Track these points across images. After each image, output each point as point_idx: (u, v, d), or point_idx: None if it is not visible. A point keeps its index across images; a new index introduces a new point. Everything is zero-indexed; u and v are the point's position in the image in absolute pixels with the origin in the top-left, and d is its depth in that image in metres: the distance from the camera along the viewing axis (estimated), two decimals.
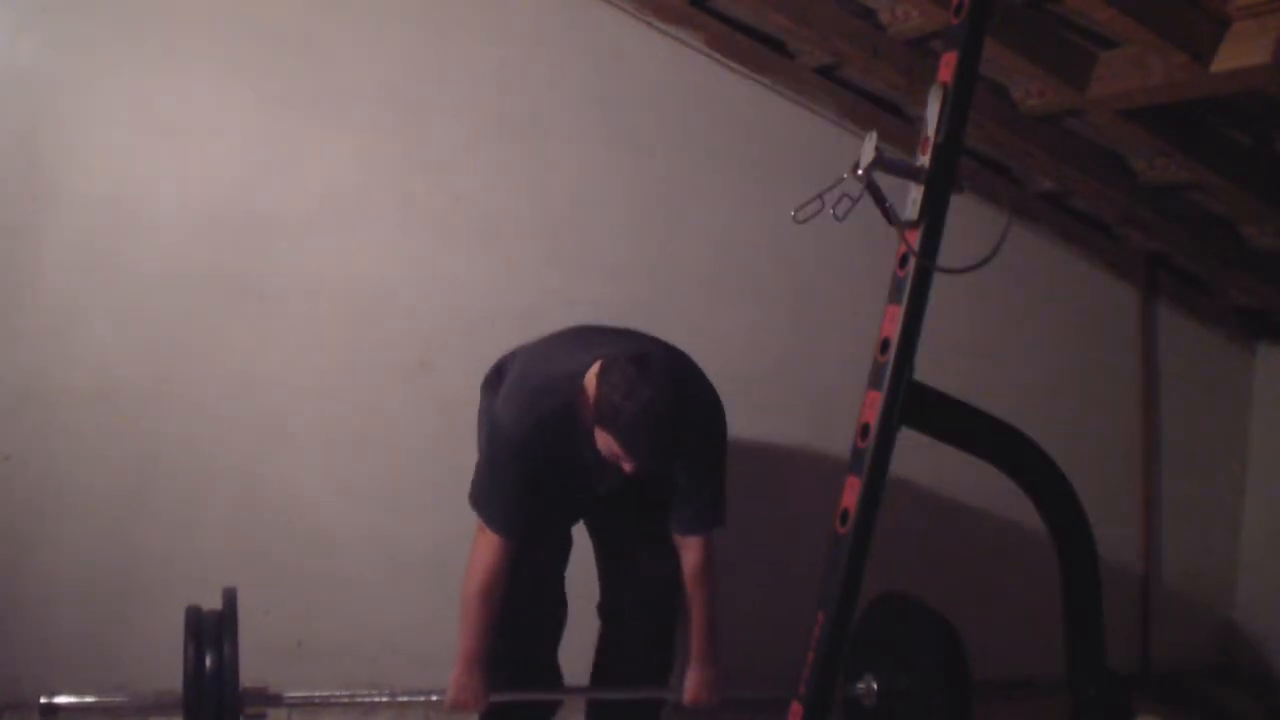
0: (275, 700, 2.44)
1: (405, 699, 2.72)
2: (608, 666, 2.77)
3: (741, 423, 3.06)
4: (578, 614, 2.76)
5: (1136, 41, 2.38)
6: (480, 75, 3.20)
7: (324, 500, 3.18)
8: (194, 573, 2.98)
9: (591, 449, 2.40)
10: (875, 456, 2.02)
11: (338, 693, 2.78)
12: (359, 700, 2.87)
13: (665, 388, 2.24)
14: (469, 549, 2.61)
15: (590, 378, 2.35)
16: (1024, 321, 3.66)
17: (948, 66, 1.99)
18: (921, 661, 2.39)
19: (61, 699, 2.37)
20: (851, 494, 2.05)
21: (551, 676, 2.73)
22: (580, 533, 2.74)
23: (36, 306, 3.00)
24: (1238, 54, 2.19)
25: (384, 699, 2.78)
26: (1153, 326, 3.77)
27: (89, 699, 2.48)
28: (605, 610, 2.76)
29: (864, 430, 2.05)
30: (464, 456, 2.68)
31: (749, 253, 3.38)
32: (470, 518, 2.52)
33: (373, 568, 3.22)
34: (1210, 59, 2.23)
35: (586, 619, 2.79)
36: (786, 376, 3.45)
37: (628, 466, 2.29)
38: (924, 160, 1.99)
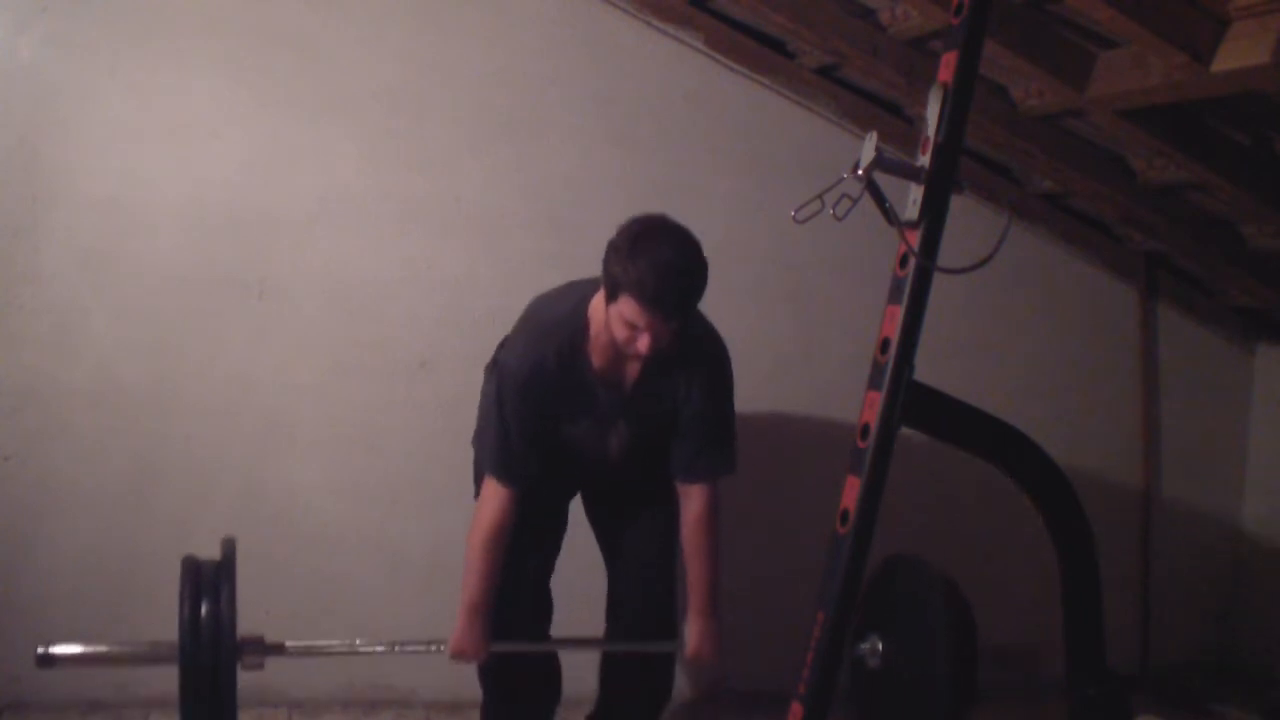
0: (275, 649, 2.39)
1: (409, 649, 2.68)
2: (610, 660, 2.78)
3: (741, 422, 3.05)
4: (577, 610, 2.76)
5: (1136, 41, 2.38)
6: (480, 75, 3.20)
7: (324, 500, 3.18)
8: None
9: (598, 381, 2.39)
10: (875, 457, 2.02)
11: (335, 642, 2.75)
12: (363, 651, 2.80)
13: (675, 235, 2.25)
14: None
15: (595, 302, 2.35)
16: (1024, 321, 3.66)
17: (948, 66, 1.99)
18: (927, 623, 2.35)
19: (57, 649, 2.32)
20: (851, 494, 2.05)
21: (548, 669, 2.74)
22: (573, 537, 2.75)
23: (37, 307, 3.01)
24: (1238, 54, 2.18)
25: (381, 649, 2.74)
26: (1153, 326, 3.78)
27: (85, 649, 2.43)
28: (610, 594, 2.77)
29: (864, 430, 2.05)
30: (464, 456, 2.68)
31: (749, 253, 3.38)
32: (468, 516, 2.52)
33: (373, 568, 3.22)
34: (1210, 59, 2.23)
35: (585, 614, 2.79)
36: (786, 376, 3.45)
37: (642, 343, 2.23)
38: (924, 160, 1.99)
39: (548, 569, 2.68)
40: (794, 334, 3.47)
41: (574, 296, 2.44)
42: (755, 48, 3.29)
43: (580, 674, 2.86)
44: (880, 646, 2.43)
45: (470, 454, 2.66)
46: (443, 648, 2.50)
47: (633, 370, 2.44)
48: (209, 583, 2.29)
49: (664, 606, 2.71)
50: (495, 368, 2.49)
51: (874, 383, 2.04)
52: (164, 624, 3.15)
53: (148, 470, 3.08)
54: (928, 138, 1.99)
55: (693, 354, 2.44)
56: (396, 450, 3.21)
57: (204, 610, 2.25)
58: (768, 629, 3.22)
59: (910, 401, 2.03)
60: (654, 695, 2.75)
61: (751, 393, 3.34)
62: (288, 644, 2.43)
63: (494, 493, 2.43)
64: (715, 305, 3.35)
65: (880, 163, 1.92)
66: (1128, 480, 3.78)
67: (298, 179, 3.12)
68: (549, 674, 2.75)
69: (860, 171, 1.92)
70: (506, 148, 3.23)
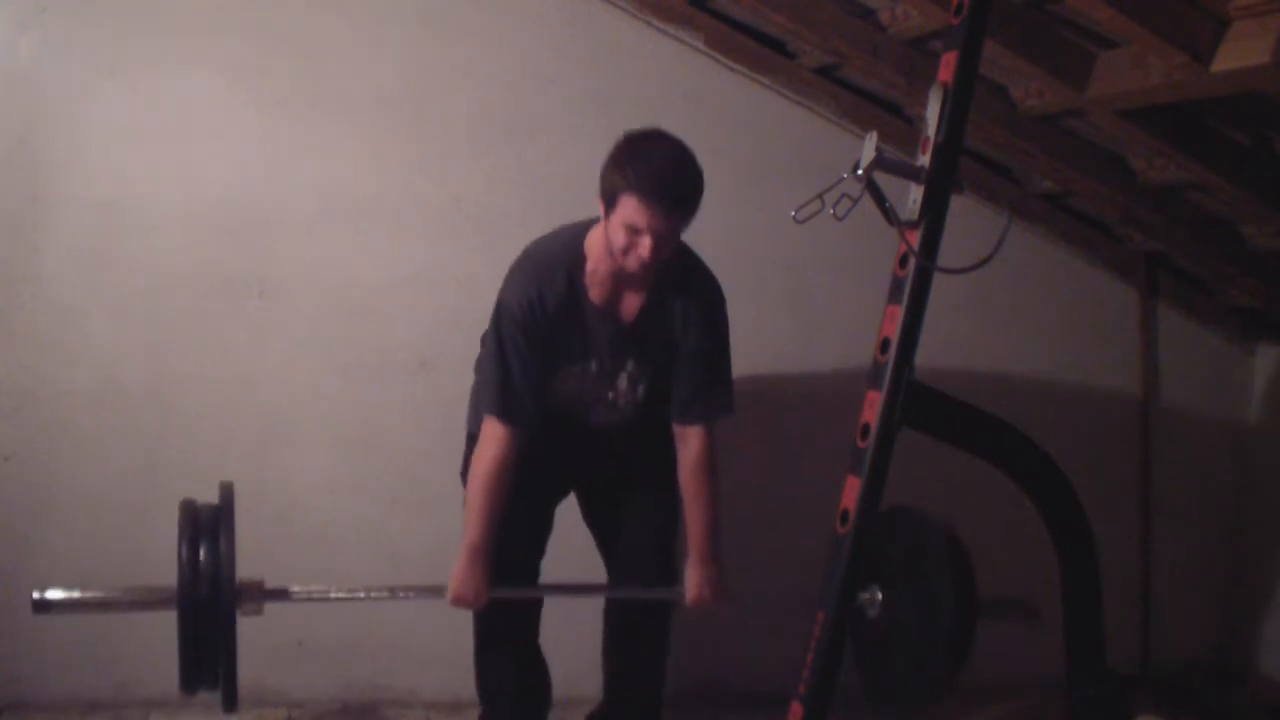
0: (274, 595, 2.35)
1: (411, 595, 2.69)
2: (611, 647, 2.78)
3: (740, 422, 3.05)
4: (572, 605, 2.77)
5: (1136, 41, 2.38)
6: (480, 75, 3.20)
7: (324, 500, 3.18)
8: None
9: (599, 314, 2.40)
10: (875, 457, 2.02)
11: (334, 589, 2.67)
12: (361, 597, 2.72)
13: (667, 138, 2.30)
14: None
15: (591, 236, 2.39)
16: (1024, 321, 3.66)
17: (948, 66, 2.00)
18: (928, 572, 2.33)
19: (53, 594, 2.28)
20: (851, 494, 2.05)
21: (535, 661, 2.73)
22: (571, 536, 2.74)
23: (37, 307, 3.01)
24: (1237, 54, 2.18)
25: (384, 595, 2.74)
26: (1153, 326, 3.77)
27: (81, 594, 2.39)
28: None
29: (864, 430, 2.05)
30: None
31: (749, 253, 3.38)
32: None
33: (373, 568, 3.21)
34: (1210, 59, 2.23)
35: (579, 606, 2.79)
36: (786, 376, 3.45)
37: (643, 246, 2.24)
38: (924, 160, 1.99)
39: (535, 568, 2.66)
40: (794, 334, 3.47)
41: (567, 234, 2.47)
42: (755, 48, 3.29)
43: (579, 675, 2.86)
44: (880, 596, 2.41)
45: None
46: (443, 593, 2.45)
47: (632, 303, 2.44)
48: (207, 526, 2.24)
49: (660, 612, 2.71)
50: (495, 309, 2.49)
51: (874, 383, 2.04)
52: (164, 626, 3.15)
53: (148, 470, 3.08)
54: (928, 138, 1.99)
55: (688, 286, 2.47)
56: (396, 450, 3.21)
57: (202, 553, 2.20)
58: (768, 629, 3.22)
59: (910, 401, 2.03)
60: (649, 691, 2.74)
61: (751, 392, 3.34)
62: (290, 589, 2.40)
63: (494, 433, 2.42)
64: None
65: (880, 163, 1.92)
66: (1127, 480, 3.78)
67: (298, 179, 3.12)
68: (541, 685, 2.74)
69: (860, 171, 1.92)
70: (506, 148, 3.23)
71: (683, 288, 2.46)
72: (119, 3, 3.01)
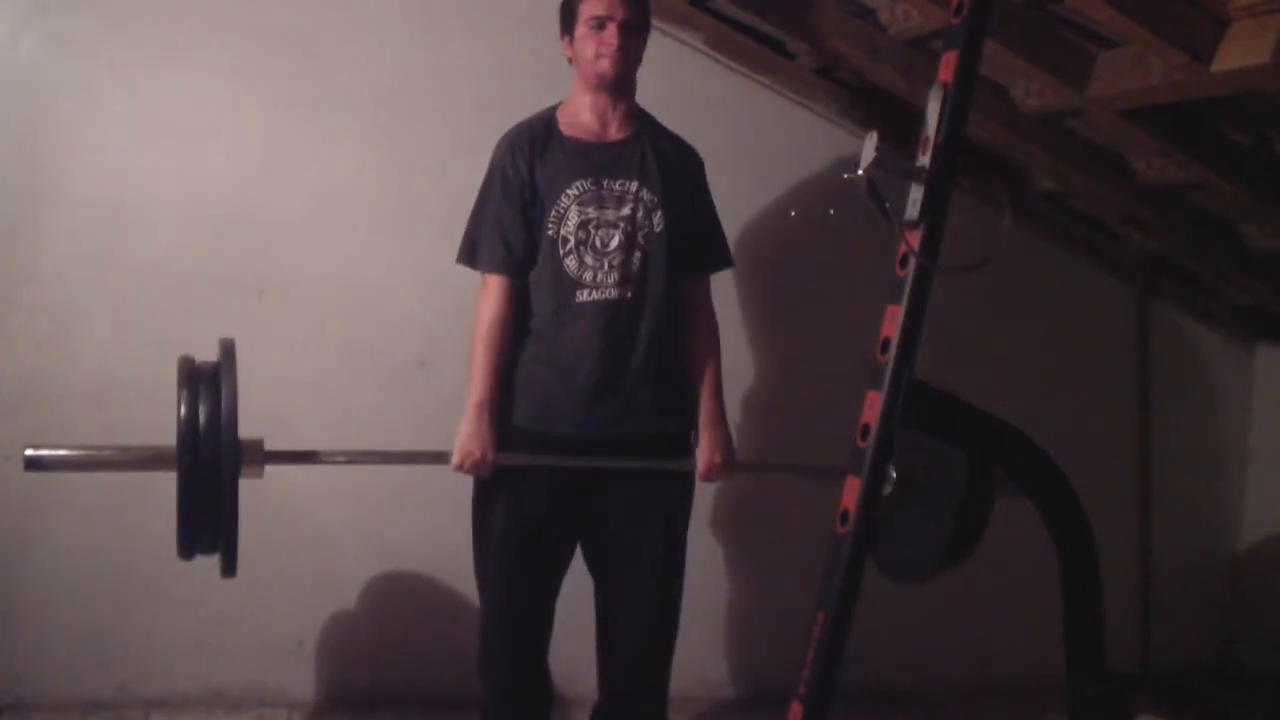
0: (276, 456, 2.26)
1: (419, 460, 2.64)
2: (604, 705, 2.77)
3: (740, 422, 3.06)
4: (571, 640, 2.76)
5: (1136, 41, 2.38)
6: (480, 75, 3.20)
7: (324, 501, 3.18)
8: (194, 573, 2.98)
9: (582, 145, 2.51)
10: (875, 456, 2.02)
11: (342, 450, 2.66)
12: (369, 461, 2.76)
13: None
14: (468, 548, 2.61)
15: (561, 103, 2.59)
16: (1024, 321, 3.66)
17: (948, 66, 1.99)
18: (941, 445, 2.31)
19: (46, 451, 2.19)
20: (851, 494, 2.04)
21: (540, 672, 2.71)
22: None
23: (36, 306, 3.01)
24: (1237, 54, 2.18)
25: (392, 458, 2.72)
26: (1152, 327, 3.77)
27: (75, 452, 2.33)
28: (601, 643, 2.72)
29: (864, 430, 2.05)
30: None
31: (749, 252, 3.38)
32: (468, 517, 2.52)
33: (373, 568, 3.22)
34: (1210, 59, 2.23)
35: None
36: (787, 376, 3.45)
37: (609, 35, 2.45)
38: (924, 160, 1.99)
39: (542, 648, 2.65)
40: (794, 334, 3.47)
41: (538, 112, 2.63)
42: (755, 48, 3.29)
43: (580, 675, 2.86)
44: (893, 473, 2.39)
45: None
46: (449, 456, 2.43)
47: (618, 128, 2.56)
48: (208, 381, 2.16)
49: (666, 616, 2.68)
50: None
51: (874, 383, 2.04)
52: (164, 626, 3.16)
53: (148, 471, 3.08)
54: (928, 138, 1.99)
55: (672, 140, 2.63)
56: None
57: (202, 410, 2.11)
58: (768, 629, 3.22)
59: (910, 401, 2.03)
60: (653, 695, 2.74)
61: (751, 393, 3.35)
62: (290, 450, 2.32)
63: (485, 289, 2.52)
64: (715, 304, 3.37)
65: (880, 163, 1.92)
66: (1127, 480, 3.78)
67: (298, 179, 3.12)
68: (544, 694, 2.72)
69: (860, 171, 1.92)
70: None
71: (668, 139, 2.62)
72: (119, 3, 3.01)
